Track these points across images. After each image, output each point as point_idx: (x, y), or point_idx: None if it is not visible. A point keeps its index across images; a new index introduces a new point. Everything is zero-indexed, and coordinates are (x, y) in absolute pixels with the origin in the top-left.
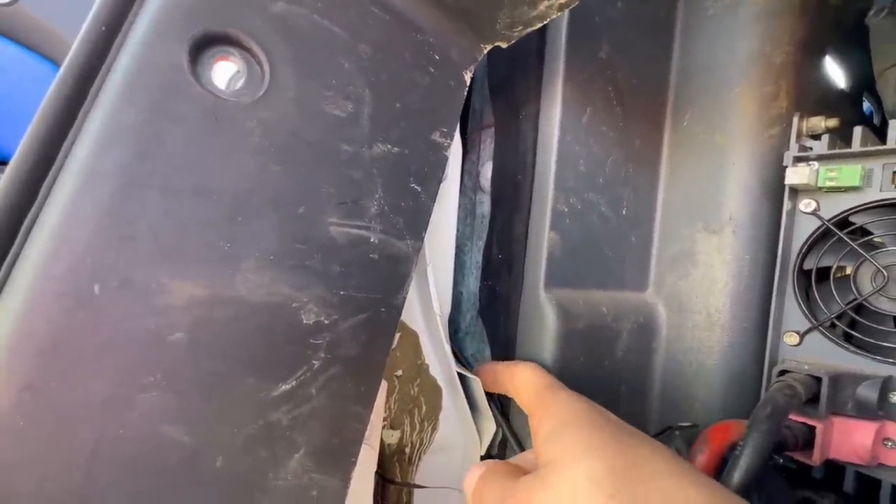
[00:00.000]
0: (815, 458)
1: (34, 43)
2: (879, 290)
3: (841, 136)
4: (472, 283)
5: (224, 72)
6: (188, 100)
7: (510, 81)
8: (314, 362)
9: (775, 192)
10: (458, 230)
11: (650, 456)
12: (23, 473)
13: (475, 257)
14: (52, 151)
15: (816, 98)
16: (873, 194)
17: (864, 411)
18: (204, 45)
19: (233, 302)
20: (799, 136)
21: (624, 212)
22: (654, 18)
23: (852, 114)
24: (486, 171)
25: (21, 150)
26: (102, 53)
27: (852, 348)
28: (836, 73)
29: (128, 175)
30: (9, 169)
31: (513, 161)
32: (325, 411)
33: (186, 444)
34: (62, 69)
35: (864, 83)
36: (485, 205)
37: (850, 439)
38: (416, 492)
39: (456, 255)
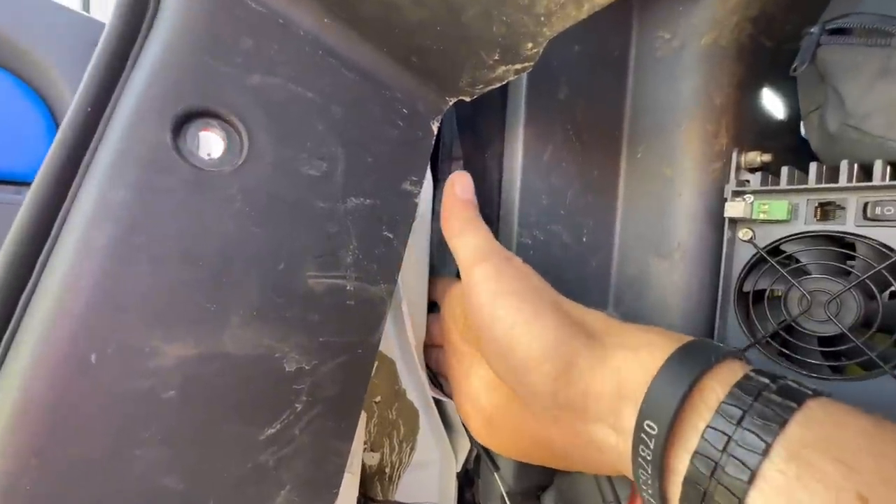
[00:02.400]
0: None
1: None
2: (805, 312)
3: (775, 168)
4: None
5: (205, 144)
6: (172, 174)
7: (475, 122)
8: (297, 405)
9: (718, 221)
10: (432, 257)
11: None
12: None
13: None
14: (45, 228)
15: (756, 131)
16: (799, 226)
17: None
18: (185, 120)
19: (220, 357)
20: (738, 169)
21: (584, 239)
22: (609, 59)
23: (790, 140)
24: None
25: (16, 227)
26: (89, 133)
27: (785, 363)
28: (774, 105)
29: (119, 249)
30: (5, 244)
31: (479, 196)
32: (308, 449)
33: (182, 490)
34: (52, 147)
35: (800, 112)
36: None
37: None
38: None
39: (429, 281)
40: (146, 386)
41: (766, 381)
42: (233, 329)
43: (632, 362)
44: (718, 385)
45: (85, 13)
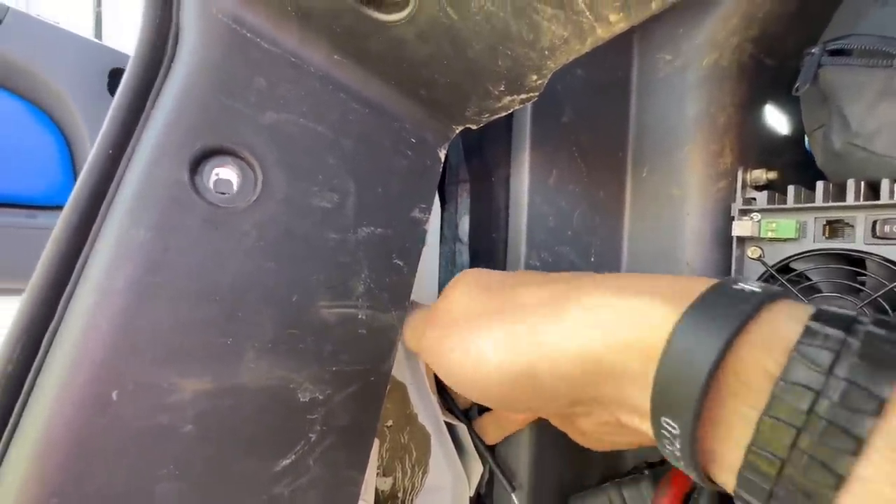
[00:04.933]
0: None
1: (7, 81)
2: None
3: (780, 185)
4: None
5: (221, 181)
6: (190, 213)
7: (482, 146)
8: (311, 436)
9: (726, 240)
10: (440, 278)
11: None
12: None
13: None
14: (67, 270)
15: (760, 149)
16: (808, 244)
17: None
18: (202, 159)
19: (235, 391)
20: (744, 186)
21: (592, 259)
22: (612, 82)
23: (794, 155)
24: (464, 225)
25: (39, 269)
26: (109, 175)
27: None
28: (777, 122)
29: (138, 288)
30: (28, 287)
31: (487, 219)
32: (322, 480)
33: None
34: (75, 189)
35: (803, 126)
36: (464, 255)
37: None
38: None
39: None
40: (165, 421)
41: (841, 334)
42: (248, 362)
43: (616, 330)
44: (765, 354)
45: (97, 41)
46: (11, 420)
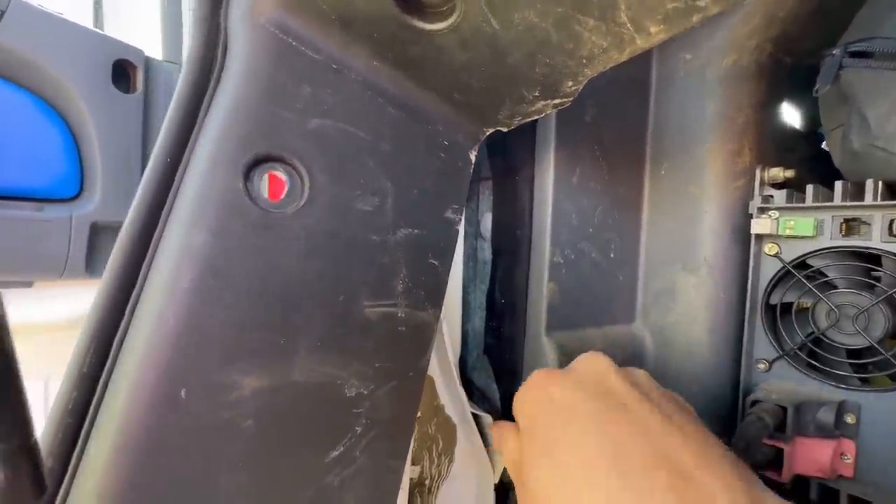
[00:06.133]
0: (784, 476)
1: (12, 74)
2: (833, 325)
3: (797, 182)
4: (478, 322)
5: (271, 187)
6: (245, 217)
7: (506, 146)
8: (357, 428)
9: (743, 237)
10: (462, 273)
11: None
12: None
13: (479, 299)
14: (133, 273)
15: (777, 145)
16: (825, 242)
17: (824, 432)
18: (254, 166)
19: (289, 387)
20: (761, 184)
21: (612, 255)
22: (632, 81)
23: (810, 150)
24: (486, 222)
25: (107, 273)
26: (168, 183)
27: (813, 375)
28: (794, 119)
29: (200, 290)
30: (98, 290)
31: (511, 217)
32: (368, 469)
33: None
34: (137, 197)
35: (818, 122)
36: (486, 251)
37: (813, 457)
38: None
39: (462, 296)
40: (228, 417)
41: None
42: (300, 360)
43: None
44: None
45: (99, 31)
46: (88, 417)
